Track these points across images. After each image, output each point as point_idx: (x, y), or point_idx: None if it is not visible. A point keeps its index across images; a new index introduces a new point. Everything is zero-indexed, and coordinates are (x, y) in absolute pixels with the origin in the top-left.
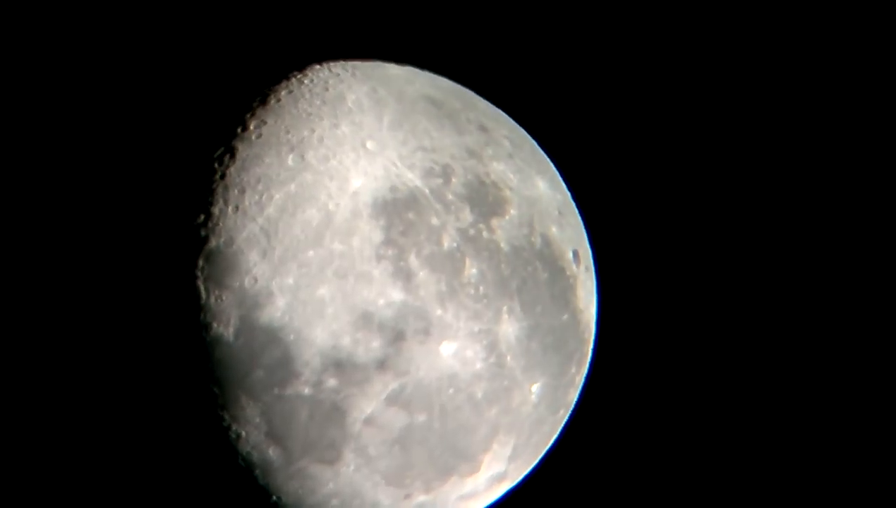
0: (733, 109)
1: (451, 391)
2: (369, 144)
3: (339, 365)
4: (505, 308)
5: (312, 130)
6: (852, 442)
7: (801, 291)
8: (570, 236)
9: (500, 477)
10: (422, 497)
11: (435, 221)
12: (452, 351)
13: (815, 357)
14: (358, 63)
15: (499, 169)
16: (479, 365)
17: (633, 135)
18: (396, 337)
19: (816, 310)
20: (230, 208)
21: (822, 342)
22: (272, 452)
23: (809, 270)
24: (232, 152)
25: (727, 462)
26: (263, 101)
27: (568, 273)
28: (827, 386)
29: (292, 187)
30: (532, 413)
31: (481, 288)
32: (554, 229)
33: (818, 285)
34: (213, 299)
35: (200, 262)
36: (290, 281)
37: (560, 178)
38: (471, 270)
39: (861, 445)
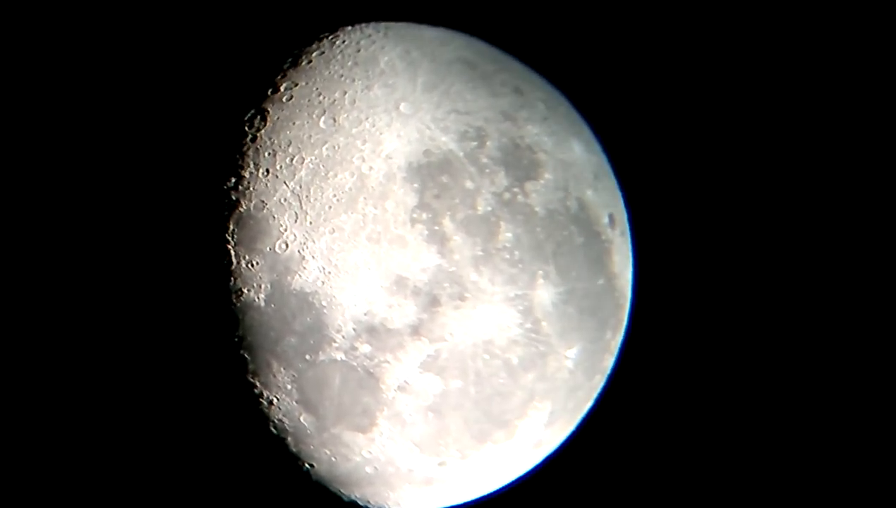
0: (776, 69)
1: (486, 356)
2: (402, 106)
3: (373, 330)
4: (540, 272)
5: (344, 92)
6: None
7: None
8: (605, 200)
9: (536, 444)
10: (457, 464)
11: (469, 185)
12: (487, 317)
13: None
14: (391, 24)
15: (533, 132)
16: (514, 331)
17: (670, 98)
18: (431, 302)
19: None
20: (261, 171)
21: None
22: (304, 419)
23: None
24: (263, 115)
25: (763, 430)
26: (295, 63)
27: (603, 237)
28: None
29: (324, 150)
30: (568, 378)
31: (516, 252)
32: (589, 193)
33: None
34: (243, 264)
35: (231, 226)
36: (323, 245)
37: (595, 141)
38: (506, 234)
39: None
